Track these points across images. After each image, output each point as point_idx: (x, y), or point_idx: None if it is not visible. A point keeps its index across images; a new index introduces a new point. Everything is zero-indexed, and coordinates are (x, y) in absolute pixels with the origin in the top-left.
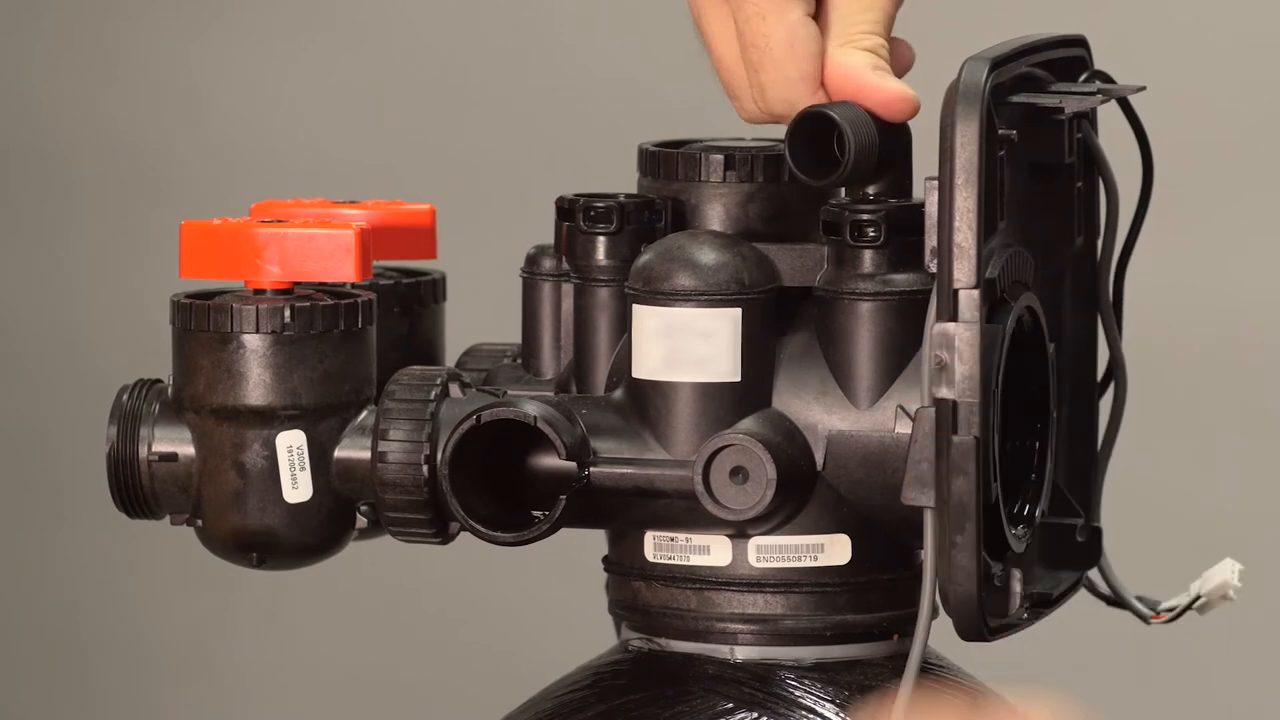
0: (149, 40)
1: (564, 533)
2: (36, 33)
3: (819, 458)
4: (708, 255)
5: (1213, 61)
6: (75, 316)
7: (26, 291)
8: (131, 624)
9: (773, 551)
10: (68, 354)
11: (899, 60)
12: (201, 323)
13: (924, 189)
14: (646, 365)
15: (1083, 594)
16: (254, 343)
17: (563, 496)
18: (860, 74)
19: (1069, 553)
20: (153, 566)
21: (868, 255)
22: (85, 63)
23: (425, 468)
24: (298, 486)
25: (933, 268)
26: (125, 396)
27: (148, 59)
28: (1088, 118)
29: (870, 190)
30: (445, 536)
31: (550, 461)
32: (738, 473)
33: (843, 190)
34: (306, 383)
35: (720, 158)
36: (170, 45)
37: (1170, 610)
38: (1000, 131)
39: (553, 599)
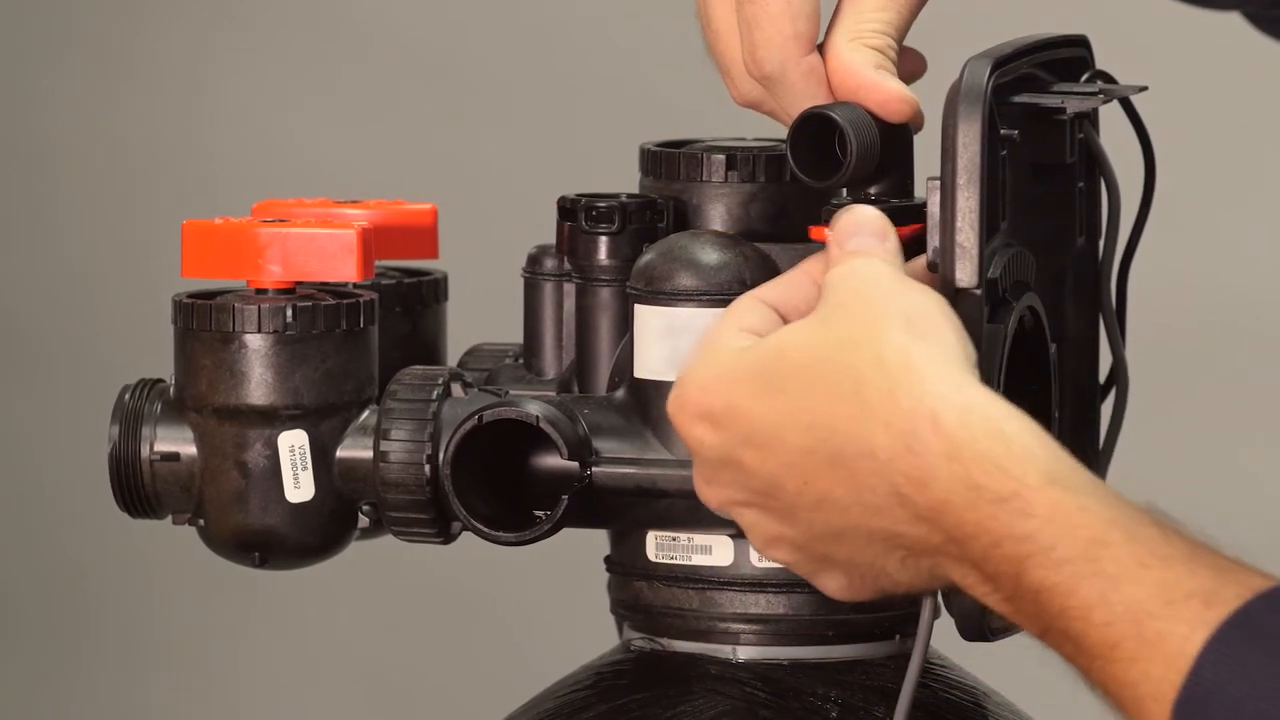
0: (152, 41)
1: (566, 532)
2: (41, 34)
3: None
4: (710, 255)
5: (1214, 61)
6: (77, 316)
7: (29, 290)
8: (132, 624)
9: None
10: (70, 353)
11: (909, 68)
12: (204, 322)
13: (926, 189)
14: (648, 365)
15: None
16: (256, 342)
17: (565, 496)
18: (861, 70)
19: None
20: (153, 566)
21: None
22: (88, 63)
23: (427, 467)
24: (300, 486)
25: (935, 268)
26: (127, 396)
27: (150, 59)
28: (1089, 118)
29: (872, 191)
30: (447, 536)
31: (552, 461)
32: None
33: (844, 190)
34: (308, 382)
35: (722, 158)
36: (173, 46)
37: None
38: (1002, 131)
39: (554, 599)
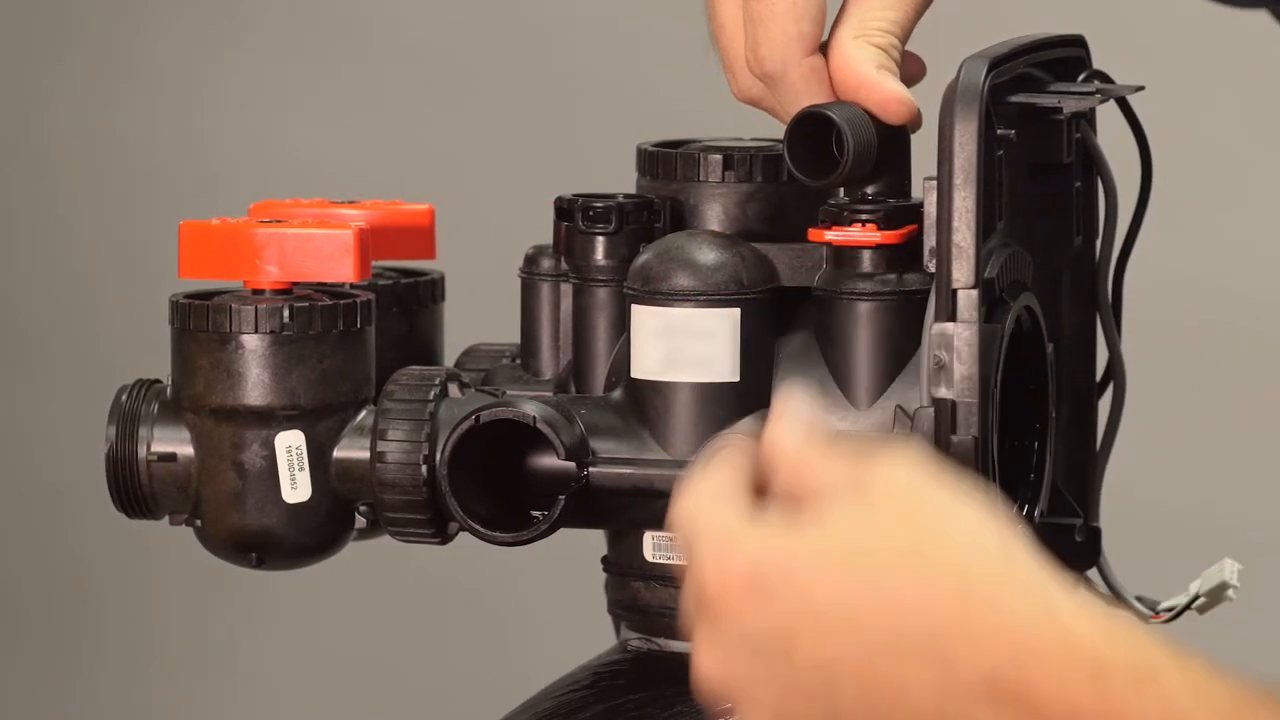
0: (152, 41)
1: (563, 533)
2: (41, 34)
3: None
4: (706, 255)
5: (1212, 61)
6: (77, 316)
7: (29, 290)
8: (132, 624)
9: None
10: (70, 353)
11: (909, 72)
12: (200, 323)
13: (923, 189)
14: (645, 365)
15: None
16: (253, 343)
17: (562, 497)
18: (863, 68)
19: (1068, 553)
20: (154, 566)
21: (866, 255)
22: (88, 63)
23: (424, 468)
24: (296, 487)
25: (931, 268)
26: (124, 396)
27: (150, 59)
28: (1086, 118)
29: (869, 190)
30: (444, 536)
31: (549, 462)
32: None
33: (841, 190)
34: (305, 383)
35: (719, 158)
36: (173, 46)
37: (1169, 610)
38: (999, 131)
39: (552, 599)
